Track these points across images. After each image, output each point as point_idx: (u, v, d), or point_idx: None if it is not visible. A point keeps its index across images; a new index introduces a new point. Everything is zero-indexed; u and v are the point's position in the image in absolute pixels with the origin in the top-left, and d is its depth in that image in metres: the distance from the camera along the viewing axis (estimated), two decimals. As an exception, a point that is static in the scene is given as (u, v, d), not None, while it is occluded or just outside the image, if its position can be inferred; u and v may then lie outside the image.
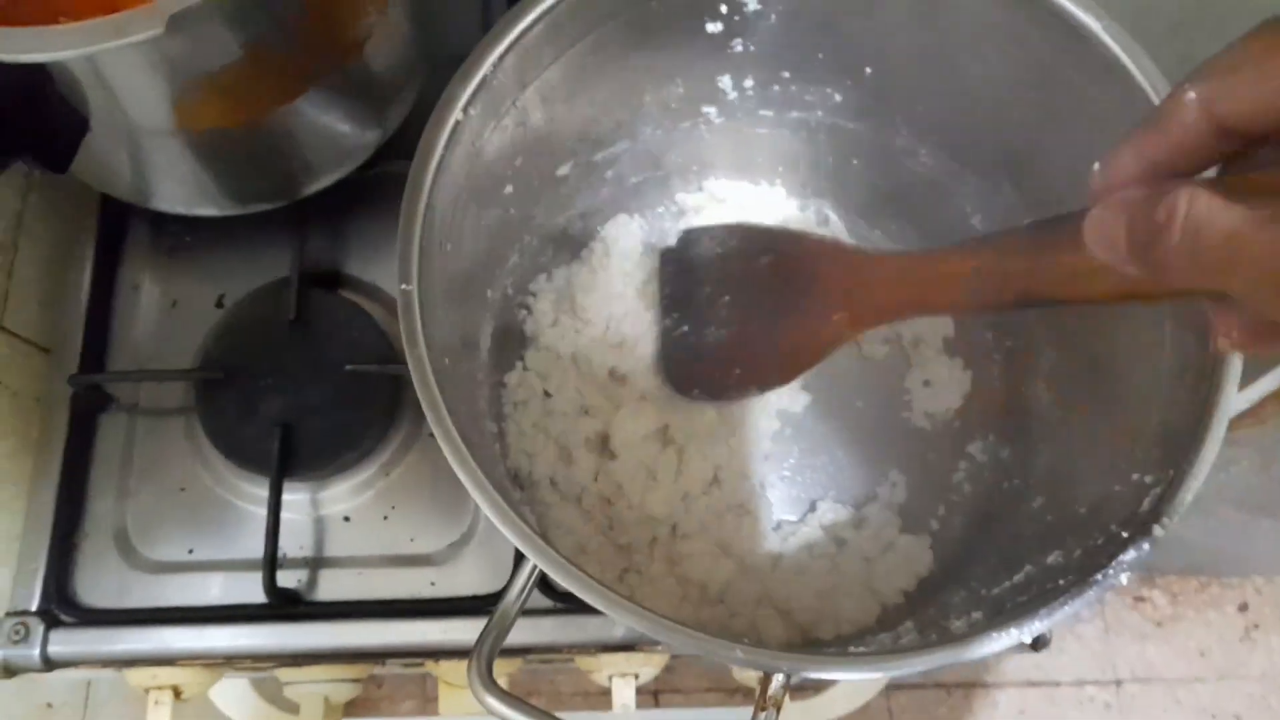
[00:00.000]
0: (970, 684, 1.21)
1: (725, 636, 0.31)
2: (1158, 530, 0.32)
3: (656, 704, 1.10)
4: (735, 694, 1.13)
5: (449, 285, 0.38)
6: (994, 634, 0.30)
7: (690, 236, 0.50)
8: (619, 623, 0.31)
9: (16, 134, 0.42)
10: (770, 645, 0.45)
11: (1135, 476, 0.35)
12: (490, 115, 0.38)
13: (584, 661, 0.56)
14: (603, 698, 0.57)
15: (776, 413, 0.52)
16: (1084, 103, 0.39)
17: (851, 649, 0.31)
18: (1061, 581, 0.32)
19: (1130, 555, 0.32)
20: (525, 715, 0.32)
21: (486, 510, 0.31)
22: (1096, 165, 0.25)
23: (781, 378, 0.46)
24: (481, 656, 0.33)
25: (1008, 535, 0.44)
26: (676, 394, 0.49)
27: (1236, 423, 0.35)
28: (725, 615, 0.46)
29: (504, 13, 0.39)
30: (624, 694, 0.56)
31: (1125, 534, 0.32)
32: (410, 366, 0.32)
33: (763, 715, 0.32)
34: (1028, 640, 0.30)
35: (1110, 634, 1.25)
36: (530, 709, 0.32)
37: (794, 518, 0.51)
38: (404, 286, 0.33)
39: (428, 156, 0.36)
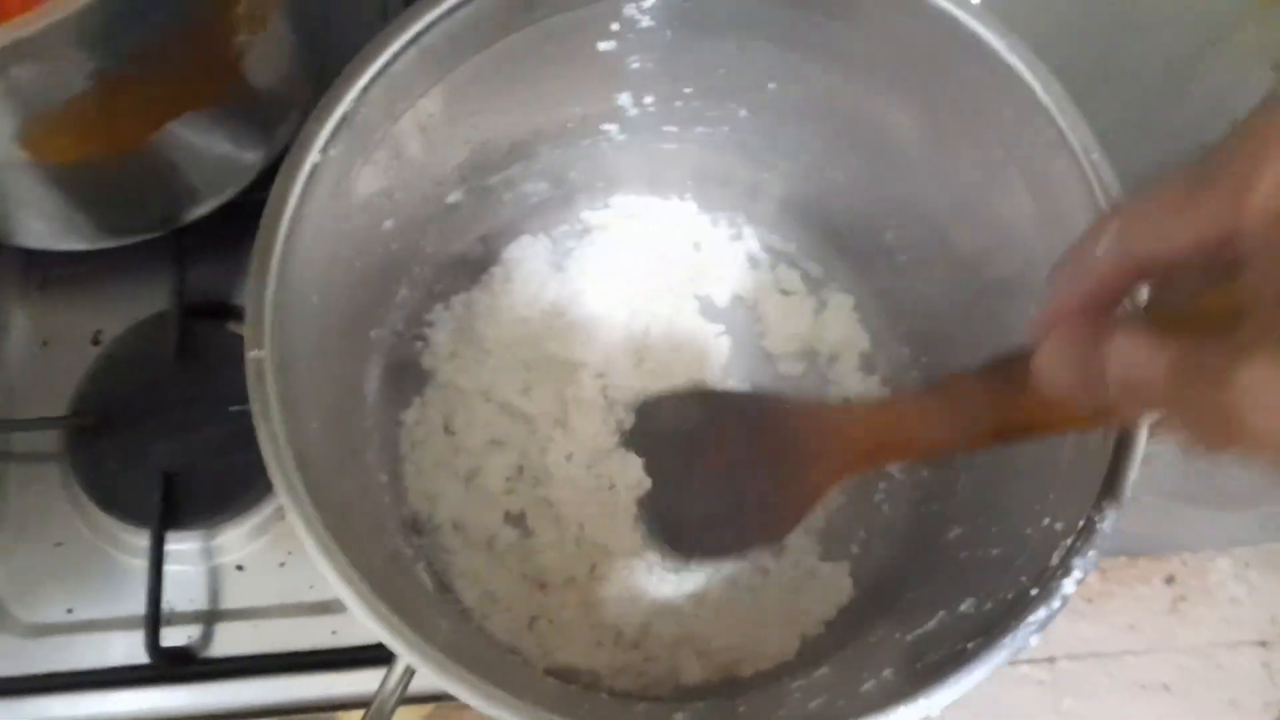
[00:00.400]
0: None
1: (641, 683, 0.29)
2: (1067, 586, 0.31)
3: None
4: None
5: (320, 338, 0.35)
6: (902, 707, 0.29)
7: (647, 409, 0.49)
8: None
9: None
10: (689, 687, 0.43)
11: (1046, 521, 0.34)
12: (357, 152, 0.35)
13: (503, 703, 0.54)
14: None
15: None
16: (980, 105, 0.38)
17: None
18: (969, 645, 0.30)
19: (1040, 615, 0.30)
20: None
21: (354, 609, 0.29)
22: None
23: (782, 530, 0.45)
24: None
25: (927, 566, 0.42)
26: (674, 561, 0.47)
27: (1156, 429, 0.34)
28: (640, 660, 0.44)
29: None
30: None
31: (1034, 590, 0.31)
32: (262, 444, 0.29)
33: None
34: (935, 714, 0.29)
35: (1043, 614, 1.27)
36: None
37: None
38: (252, 354, 0.30)
39: (280, 205, 0.32)
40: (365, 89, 0.34)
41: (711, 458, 0.45)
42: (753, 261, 0.54)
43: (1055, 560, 0.32)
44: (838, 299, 0.53)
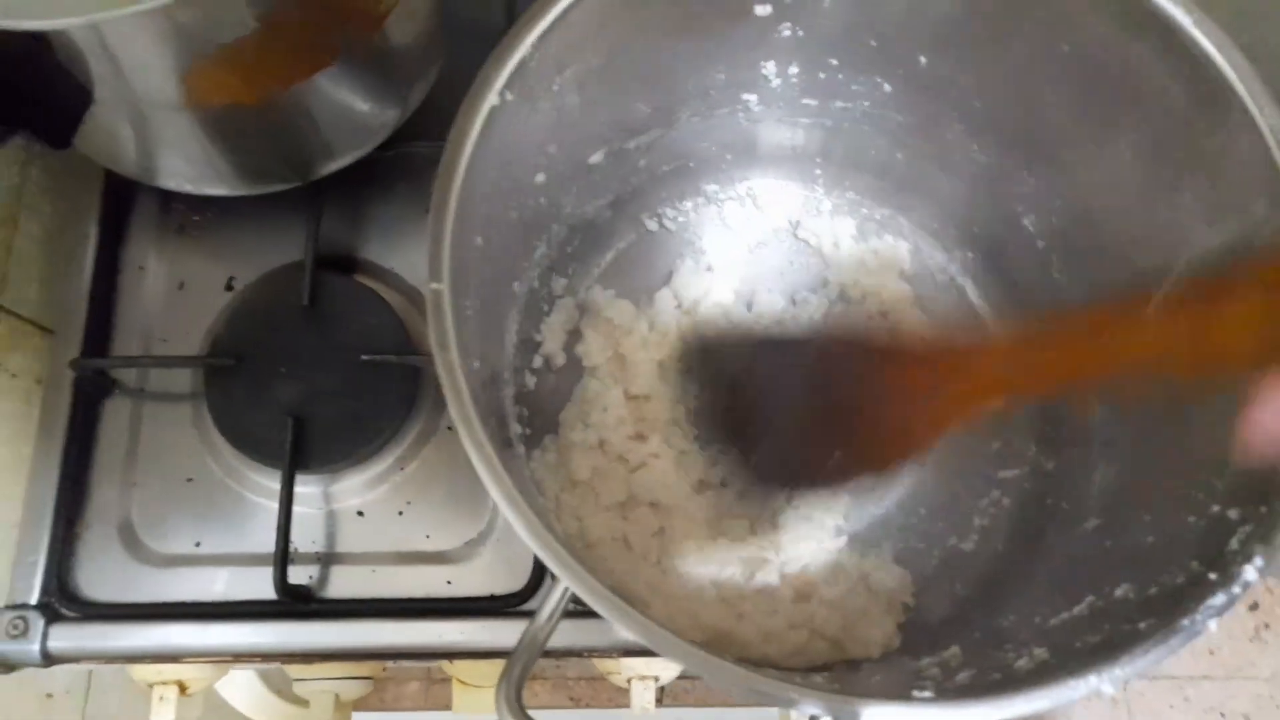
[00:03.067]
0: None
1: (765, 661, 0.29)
2: (1249, 573, 0.30)
3: (661, 697, 1.09)
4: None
5: (479, 281, 0.36)
6: (1071, 681, 0.28)
7: (765, 348, 0.49)
8: (673, 659, 0.28)
9: (16, 106, 0.39)
10: (816, 665, 0.43)
11: (1215, 509, 0.33)
12: (526, 100, 0.35)
13: (603, 664, 0.55)
14: (607, 681, 0.56)
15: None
16: (1159, 98, 0.37)
17: (915, 693, 0.29)
18: (1142, 625, 0.30)
19: (1219, 600, 0.30)
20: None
21: (525, 536, 0.29)
22: None
23: (889, 461, 0.44)
24: (511, 683, 0.31)
25: (1060, 557, 0.42)
26: (773, 496, 0.47)
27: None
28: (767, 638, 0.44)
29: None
30: (644, 697, 0.55)
31: (1212, 575, 0.30)
32: (440, 373, 0.30)
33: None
34: (1109, 690, 0.28)
35: (1120, 630, 1.24)
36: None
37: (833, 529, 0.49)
38: (434, 285, 0.31)
39: (461, 143, 0.33)
40: (543, 35, 0.34)
41: (826, 391, 0.44)
42: (874, 251, 0.54)
43: (1235, 545, 0.31)
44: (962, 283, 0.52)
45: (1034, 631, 0.35)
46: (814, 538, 0.48)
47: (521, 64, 0.34)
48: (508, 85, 0.34)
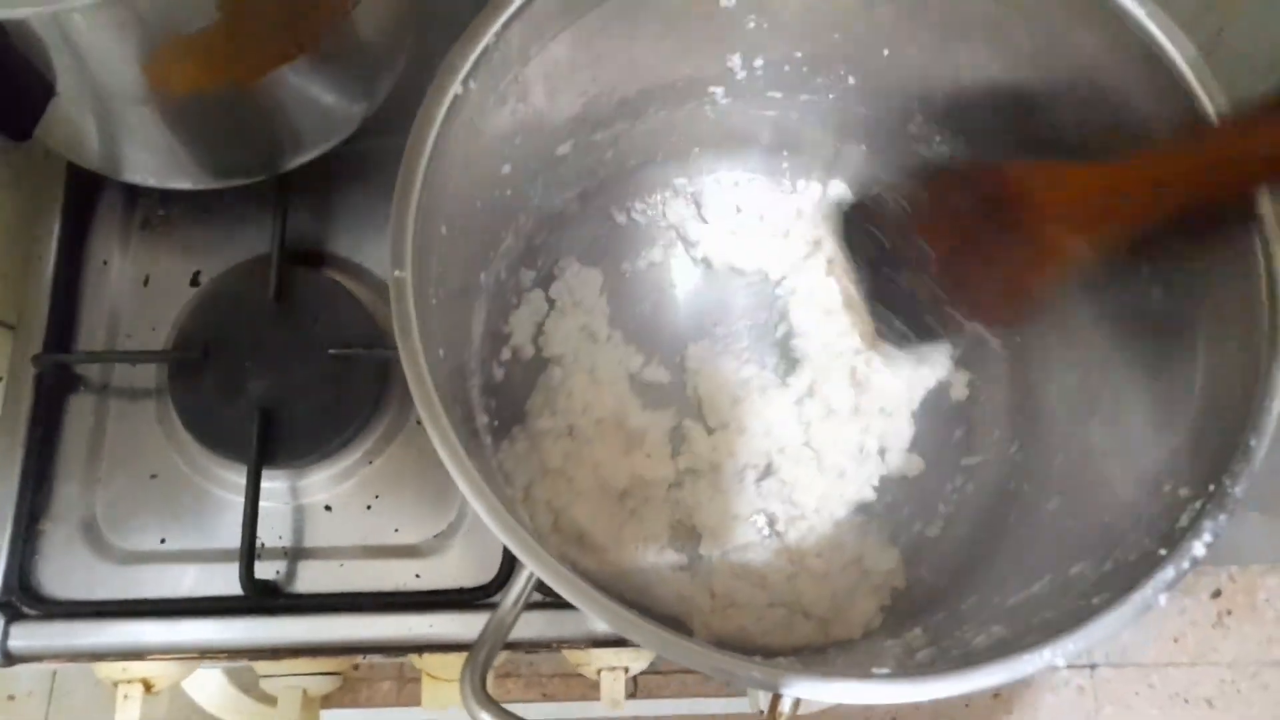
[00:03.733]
0: (948, 668, 1.22)
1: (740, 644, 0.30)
2: (1198, 548, 0.31)
3: (635, 690, 1.09)
4: (711, 681, 1.13)
5: (444, 270, 0.36)
6: (1024, 655, 0.29)
7: (873, 198, 0.49)
8: (634, 640, 0.29)
9: (-26, 98, 0.39)
10: (794, 644, 0.44)
11: (1167, 488, 0.34)
12: (490, 89, 0.36)
13: (573, 655, 0.55)
14: (584, 679, 0.56)
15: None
16: (1117, 89, 0.38)
17: (874, 670, 0.30)
18: (1096, 600, 0.30)
19: (1169, 574, 0.30)
20: (526, 732, 0.30)
21: (488, 521, 0.29)
22: None
23: (1011, 310, 0.45)
24: (476, 670, 0.31)
25: (1020, 538, 0.42)
26: (902, 342, 0.48)
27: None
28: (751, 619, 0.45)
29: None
30: (614, 688, 0.55)
31: (1163, 551, 0.31)
32: (403, 361, 0.30)
33: (774, 731, 0.31)
34: (1060, 663, 0.29)
35: (1087, 620, 1.26)
36: (530, 726, 0.30)
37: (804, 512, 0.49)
38: (396, 273, 0.31)
39: (425, 131, 0.33)
40: (506, 24, 0.35)
41: (941, 233, 0.45)
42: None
43: (1185, 522, 0.32)
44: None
45: (993, 611, 0.36)
46: (810, 514, 0.48)
47: (485, 53, 0.34)
48: (471, 74, 0.34)
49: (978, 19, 0.40)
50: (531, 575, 0.31)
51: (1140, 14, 0.35)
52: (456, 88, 0.34)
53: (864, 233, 0.50)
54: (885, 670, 0.30)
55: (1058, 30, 0.38)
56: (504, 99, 0.37)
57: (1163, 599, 0.30)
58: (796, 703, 0.30)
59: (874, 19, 0.42)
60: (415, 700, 1.12)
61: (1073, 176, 0.40)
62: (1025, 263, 0.42)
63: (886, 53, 0.44)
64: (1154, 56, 0.36)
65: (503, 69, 0.36)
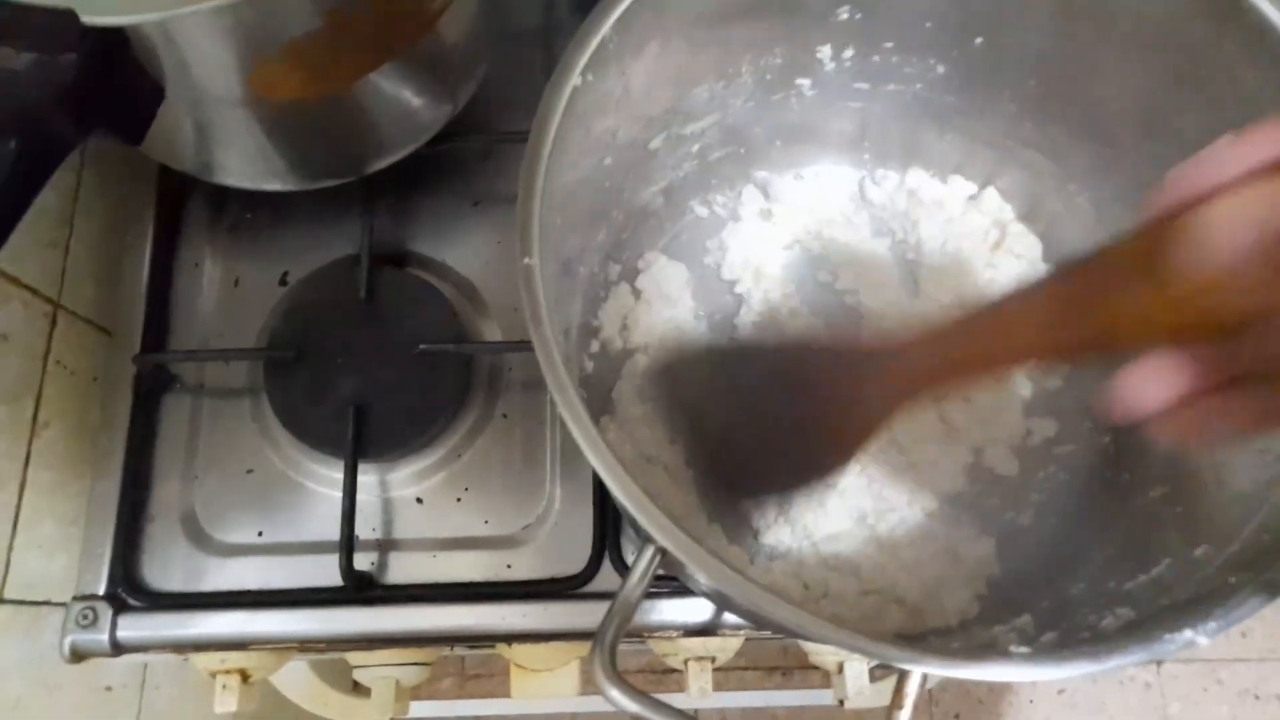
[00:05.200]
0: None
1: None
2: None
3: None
4: (781, 674, 1.12)
5: (557, 260, 0.36)
6: (1165, 635, 0.29)
7: (676, 369, 0.49)
8: (769, 616, 0.29)
9: (95, 104, 0.40)
10: (888, 632, 0.44)
11: (1293, 470, 0.33)
12: (601, 82, 0.36)
13: (659, 645, 0.55)
14: (669, 674, 0.56)
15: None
16: (1229, 77, 0.37)
17: (1013, 649, 0.30)
18: (1232, 580, 0.30)
19: (1309, 552, 0.30)
20: (654, 711, 0.31)
21: (624, 500, 0.30)
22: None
23: (837, 461, 0.44)
24: (604, 647, 0.31)
25: (1125, 525, 0.42)
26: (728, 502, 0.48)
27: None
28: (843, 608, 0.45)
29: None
30: (701, 678, 0.55)
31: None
32: (536, 347, 0.31)
33: (898, 714, 0.31)
34: (1203, 642, 0.29)
35: (1151, 615, 1.24)
36: (659, 705, 0.31)
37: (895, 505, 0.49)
38: (526, 260, 0.32)
39: (546, 123, 0.34)
40: (623, 16, 0.35)
41: (759, 401, 0.45)
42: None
43: (1318, 502, 0.31)
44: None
45: (1109, 596, 0.36)
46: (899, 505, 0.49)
47: (601, 45, 0.35)
48: (588, 66, 0.35)
49: (1079, 4, 0.40)
50: (656, 554, 0.31)
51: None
52: (575, 79, 0.34)
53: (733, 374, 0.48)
54: (1024, 650, 0.30)
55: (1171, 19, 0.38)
56: (612, 91, 0.38)
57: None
58: (924, 681, 0.30)
59: (969, 7, 0.42)
60: (479, 695, 1.13)
61: (898, 343, 0.39)
62: (848, 418, 0.42)
63: (979, 41, 0.44)
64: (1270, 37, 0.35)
65: (615, 61, 0.36)
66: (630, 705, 0.31)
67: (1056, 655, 0.29)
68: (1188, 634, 0.29)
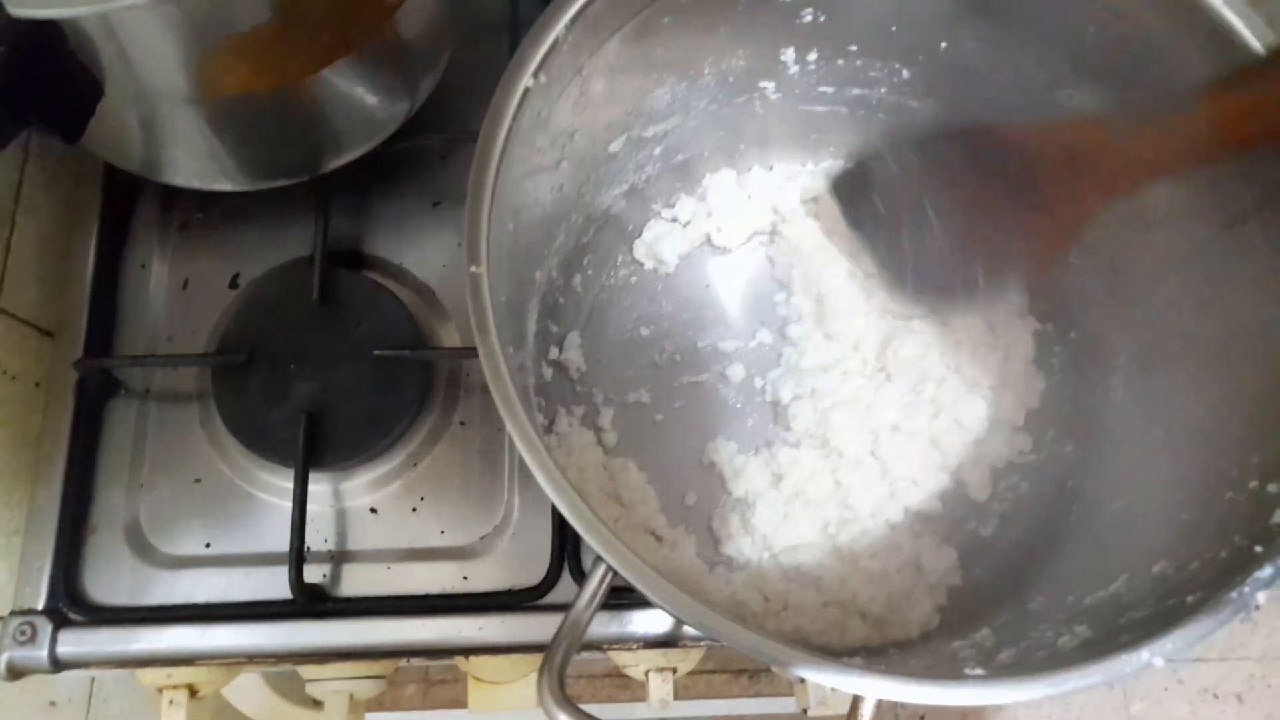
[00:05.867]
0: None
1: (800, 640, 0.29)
2: (1297, 545, 0.30)
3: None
4: (748, 677, 1.12)
5: (510, 267, 0.35)
6: (1121, 655, 0.28)
7: (861, 165, 0.49)
8: (724, 640, 0.28)
9: (30, 99, 0.38)
10: (849, 645, 0.43)
11: (1253, 485, 0.33)
12: (556, 83, 0.35)
13: (619, 656, 0.54)
14: (619, 680, 0.56)
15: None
16: (1158, 45, 0.37)
17: (967, 671, 0.29)
18: (1189, 599, 0.30)
19: (1267, 572, 0.30)
20: (605, 737, 0.30)
21: (572, 517, 0.29)
22: None
23: (1036, 263, 0.44)
24: (553, 671, 0.30)
25: (1086, 537, 0.42)
26: (918, 305, 0.48)
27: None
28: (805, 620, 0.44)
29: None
30: (662, 689, 0.54)
31: (1258, 548, 0.31)
32: (482, 358, 0.30)
33: (853, 735, 0.30)
34: (1159, 663, 0.28)
35: (1114, 616, 1.25)
36: (611, 730, 0.30)
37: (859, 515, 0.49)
38: (473, 269, 0.31)
39: (498, 123, 0.33)
40: (575, 17, 0.34)
41: (951, 194, 0.44)
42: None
43: (1279, 519, 0.31)
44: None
45: (1069, 611, 0.35)
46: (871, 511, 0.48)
47: (555, 45, 0.34)
48: (541, 67, 0.34)
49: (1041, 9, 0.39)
50: (607, 573, 0.30)
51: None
52: (527, 80, 0.33)
53: (860, 198, 0.49)
54: (979, 671, 0.29)
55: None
56: (567, 92, 0.37)
57: (1261, 597, 0.30)
58: (877, 706, 0.30)
59: (934, 11, 0.41)
60: (441, 703, 1.11)
61: (1112, 134, 0.39)
62: (1049, 221, 0.42)
63: (944, 45, 0.43)
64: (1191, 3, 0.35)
65: (570, 61, 0.35)
66: (581, 730, 0.30)
67: (1013, 677, 0.28)
68: (1144, 655, 0.28)
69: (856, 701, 0.30)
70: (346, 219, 0.57)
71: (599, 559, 0.30)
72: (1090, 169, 0.40)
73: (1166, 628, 0.29)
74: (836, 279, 0.52)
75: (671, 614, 0.35)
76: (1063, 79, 0.41)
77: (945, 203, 0.45)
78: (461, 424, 0.54)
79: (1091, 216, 0.41)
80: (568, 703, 0.30)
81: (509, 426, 0.29)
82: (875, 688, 0.27)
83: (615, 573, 0.31)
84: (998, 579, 0.46)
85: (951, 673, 0.28)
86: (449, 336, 0.55)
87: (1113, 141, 0.39)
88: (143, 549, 0.52)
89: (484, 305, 0.30)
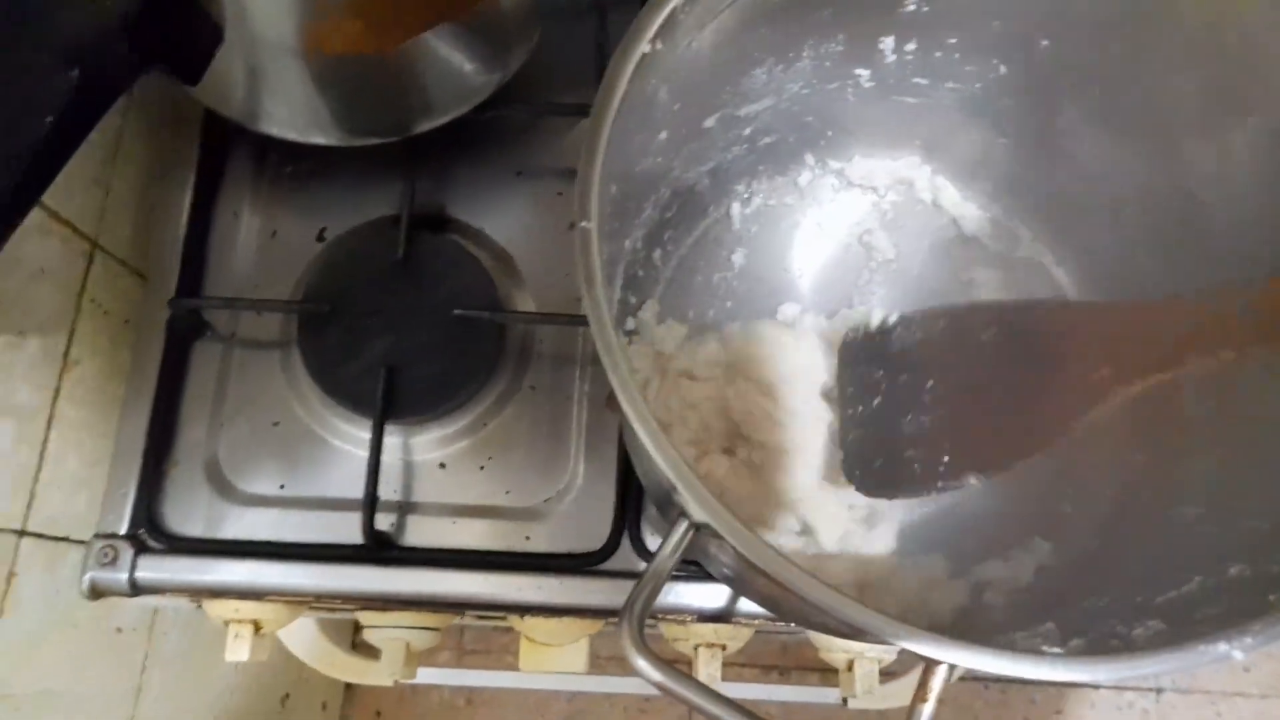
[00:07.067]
0: (1008, 680, 1.20)
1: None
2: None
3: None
4: (778, 673, 1.12)
5: (606, 231, 0.36)
6: (1200, 645, 0.28)
7: (883, 328, 0.48)
8: (805, 595, 0.29)
9: (156, 41, 0.40)
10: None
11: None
12: (669, 52, 0.36)
13: (671, 629, 0.55)
14: (675, 663, 0.56)
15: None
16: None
17: (1044, 648, 0.29)
18: (1272, 598, 0.30)
19: (1355, 574, 0.30)
20: (681, 685, 0.30)
21: (668, 471, 0.29)
22: None
23: (1015, 454, 0.41)
24: (634, 617, 0.31)
25: (1156, 544, 0.41)
26: (866, 495, 0.46)
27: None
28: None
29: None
30: (710, 666, 0.55)
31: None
32: (586, 308, 0.31)
33: (922, 707, 0.31)
34: (1238, 656, 0.28)
35: (1154, 642, 1.23)
36: (686, 679, 0.31)
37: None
38: (584, 224, 0.31)
39: (613, 87, 0.33)
40: (695, -13, 0.35)
41: (944, 372, 0.43)
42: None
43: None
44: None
45: (1138, 609, 0.35)
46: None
47: (672, 15, 0.34)
48: (659, 34, 0.34)
49: (1162, 12, 0.39)
50: (690, 529, 0.31)
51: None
52: (644, 47, 0.34)
53: (866, 364, 0.48)
54: (1057, 650, 0.29)
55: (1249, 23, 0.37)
56: (678, 63, 0.38)
57: (1349, 598, 0.29)
58: (949, 675, 0.30)
59: (1038, 8, 0.41)
60: (474, 669, 1.13)
61: (1139, 315, 0.37)
62: (1058, 406, 0.39)
63: (1045, 43, 0.43)
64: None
65: (684, 31, 0.36)
66: (655, 675, 0.31)
67: (1092, 657, 0.28)
68: (1223, 646, 0.28)
69: (928, 672, 0.30)
70: (432, 182, 0.58)
71: (682, 514, 0.31)
72: (1111, 354, 0.38)
73: (1248, 622, 0.29)
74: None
75: (746, 582, 0.35)
76: (1167, 83, 0.41)
77: (946, 385, 0.43)
78: (532, 389, 0.55)
79: (1110, 403, 0.38)
80: (647, 648, 0.31)
81: (611, 376, 0.30)
82: (960, 657, 0.28)
83: (696, 531, 0.32)
84: (1062, 580, 0.46)
85: (1028, 649, 0.29)
86: (524, 302, 0.56)
87: (1147, 324, 0.37)
88: (220, 485, 0.53)
89: (592, 258, 0.31)
